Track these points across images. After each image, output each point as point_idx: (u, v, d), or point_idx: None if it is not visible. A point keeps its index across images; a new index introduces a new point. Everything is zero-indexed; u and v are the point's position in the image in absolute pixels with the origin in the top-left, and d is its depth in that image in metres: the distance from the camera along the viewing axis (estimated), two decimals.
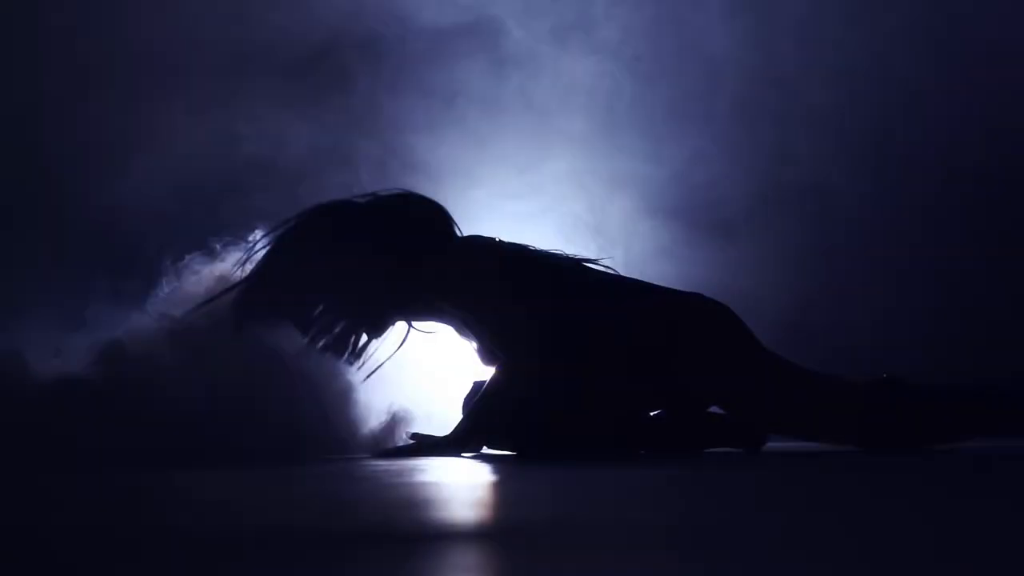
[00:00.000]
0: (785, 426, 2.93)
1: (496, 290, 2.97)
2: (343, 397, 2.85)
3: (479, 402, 2.94)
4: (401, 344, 3.02)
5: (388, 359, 2.99)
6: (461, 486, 2.05)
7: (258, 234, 3.01)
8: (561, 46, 3.99)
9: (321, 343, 2.93)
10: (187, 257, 3.05)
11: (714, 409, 3.02)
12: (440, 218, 3.04)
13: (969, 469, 2.30)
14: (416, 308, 3.02)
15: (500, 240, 3.05)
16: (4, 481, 2.37)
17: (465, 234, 3.06)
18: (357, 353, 2.97)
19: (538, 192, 3.85)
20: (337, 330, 2.95)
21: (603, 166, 3.97)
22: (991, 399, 2.87)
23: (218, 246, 3.06)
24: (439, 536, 1.34)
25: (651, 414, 3.01)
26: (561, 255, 3.05)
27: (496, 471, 2.39)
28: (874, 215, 4.01)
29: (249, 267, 2.95)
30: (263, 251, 2.97)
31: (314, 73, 3.94)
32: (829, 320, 3.88)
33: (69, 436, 2.63)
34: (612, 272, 3.05)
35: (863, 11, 4.06)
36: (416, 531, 1.38)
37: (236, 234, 3.08)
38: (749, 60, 4.05)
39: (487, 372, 3.02)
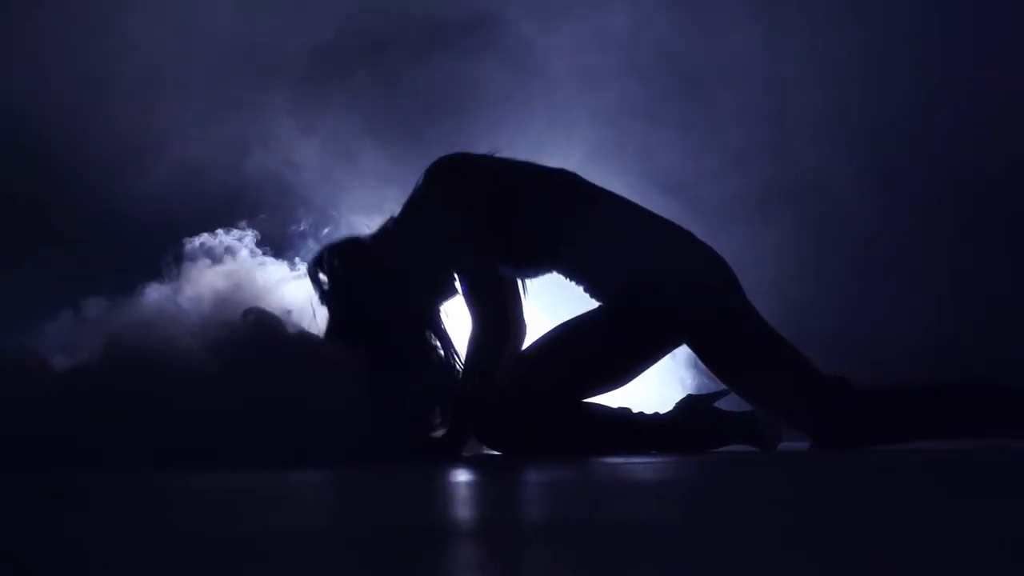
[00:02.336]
0: (753, 383, 2.93)
1: (453, 226, 2.92)
2: (359, 395, 2.84)
3: (456, 403, 2.92)
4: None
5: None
6: (469, 486, 2.06)
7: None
8: (569, 42, 4.00)
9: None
10: (187, 242, 3.07)
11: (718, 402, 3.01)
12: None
13: (980, 467, 2.32)
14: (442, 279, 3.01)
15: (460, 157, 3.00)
16: (26, 480, 2.38)
17: None
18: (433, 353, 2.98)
19: None
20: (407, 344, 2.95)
21: (605, 163, 3.97)
22: (941, 401, 2.88)
23: (219, 235, 3.08)
24: (468, 537, 1.35)
25: (661, 413, 3.00)
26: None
27: (490, 470, 2.40)
28: (874, 213, 4.02)
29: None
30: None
31: (322, 74, 3.95)
32: (828, 318, 3.88)
33: (81, 433, 2.63)
34: (581, 180, 3.04)
35: (867, 12, 4.07)
36: (437, 531, 1.39)
37: (235, 226, 3.11)
38: (752, 60, 4.05)
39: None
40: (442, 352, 2.99)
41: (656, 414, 2.99)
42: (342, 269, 2.96)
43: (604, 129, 3.98)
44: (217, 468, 2.50)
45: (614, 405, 3.01)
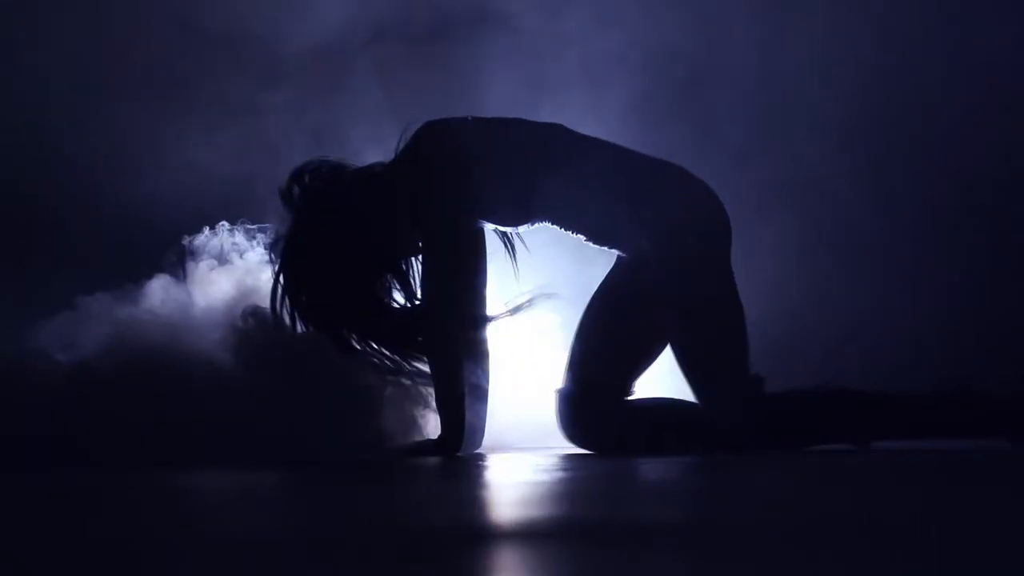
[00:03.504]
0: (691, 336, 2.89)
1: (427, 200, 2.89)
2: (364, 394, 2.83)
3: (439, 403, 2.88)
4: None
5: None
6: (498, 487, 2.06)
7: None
8: (573, 39, 4.00)
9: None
10: (191, 240, 3.08)
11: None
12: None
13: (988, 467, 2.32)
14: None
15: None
16: (38, 481, 2.38)
17: None
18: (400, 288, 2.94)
19: None
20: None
21: None
22: (844, 405, 2.85)
23: (223, 229, 3.10)
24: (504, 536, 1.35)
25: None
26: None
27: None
28: (874, 214, 4.02)
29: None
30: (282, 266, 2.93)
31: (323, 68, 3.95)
32: (827, 318, 3.88)
33: (83, 432, 2.63)
34: (569, 131, 3.01)
35: (869, 12, 4.07)
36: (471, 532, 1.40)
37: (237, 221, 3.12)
38: (753, 59, 4.05)
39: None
40: (403, 301, 2.95)
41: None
42: (321, 183, 2.94)
43: (605, 127, 3.97)
44: (218, 468, 2.50)
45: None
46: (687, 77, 4.03)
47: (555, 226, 2.98)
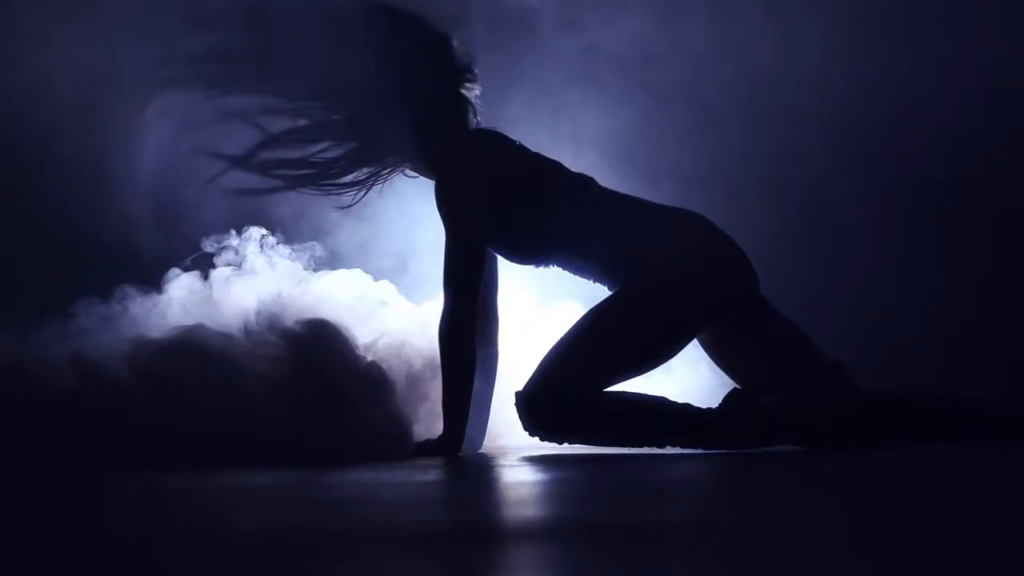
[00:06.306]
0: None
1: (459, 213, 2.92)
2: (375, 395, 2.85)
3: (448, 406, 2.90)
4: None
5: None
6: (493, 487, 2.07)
7: None
8: (575, 35, 4.01)
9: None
10: (207, 243, 3.11)
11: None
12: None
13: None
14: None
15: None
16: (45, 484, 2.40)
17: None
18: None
19: None
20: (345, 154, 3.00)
21: (602, 158, 3.96)
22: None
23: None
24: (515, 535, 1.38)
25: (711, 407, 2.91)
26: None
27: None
28: (872, 214, 4.02)
29: None
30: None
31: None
32: (826, 317, 3.88)
33: (94, 434, 2.65)
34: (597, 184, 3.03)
35: (869, 14, 4.08)
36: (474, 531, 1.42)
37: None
38: (753, 56, 4.06)
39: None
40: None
41: (708, 409, 2.90)
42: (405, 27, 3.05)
43: (605, 123, 3.97)
44: (222, 469, 2.51)
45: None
46: (689, 74, 4.03)
47: (567, 272, 3.02)
